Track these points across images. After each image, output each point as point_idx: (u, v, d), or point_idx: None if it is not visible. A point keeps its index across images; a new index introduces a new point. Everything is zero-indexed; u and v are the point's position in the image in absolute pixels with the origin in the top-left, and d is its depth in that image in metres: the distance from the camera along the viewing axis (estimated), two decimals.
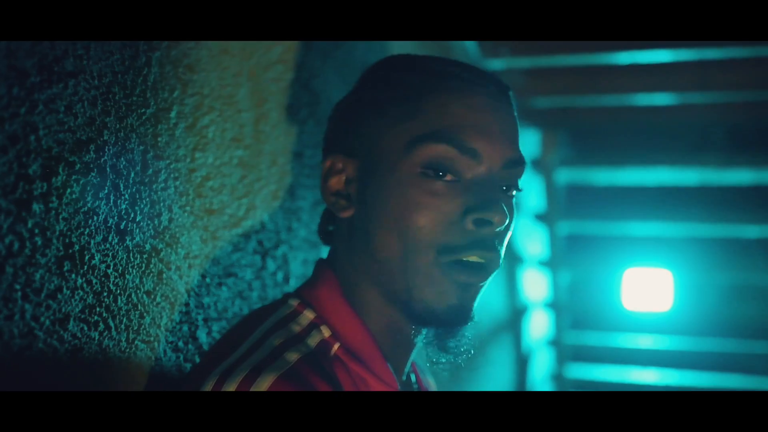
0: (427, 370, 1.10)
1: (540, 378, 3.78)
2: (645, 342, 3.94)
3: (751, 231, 3.30)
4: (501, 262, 0.81)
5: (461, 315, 0.79)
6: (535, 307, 3.62)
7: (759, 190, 3.25)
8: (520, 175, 0.82)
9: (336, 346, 0.80)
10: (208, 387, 0.70)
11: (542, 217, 3.31)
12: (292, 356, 0.74)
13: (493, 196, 0.77)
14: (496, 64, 2.35)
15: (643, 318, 4.28)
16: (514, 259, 3.26)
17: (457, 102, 0.78)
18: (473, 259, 0.77)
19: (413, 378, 0.95)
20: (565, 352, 3.72)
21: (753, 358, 3.81)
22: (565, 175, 3.34)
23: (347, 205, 0.83)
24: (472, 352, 0.82)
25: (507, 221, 0.77)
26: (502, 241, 0.81)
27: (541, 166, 3.13)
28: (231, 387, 0.69)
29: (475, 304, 0.82)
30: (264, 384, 0.69)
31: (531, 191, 3.40)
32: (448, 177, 0.77)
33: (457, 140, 0.76)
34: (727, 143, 3.37)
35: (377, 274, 0.81)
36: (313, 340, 0.79)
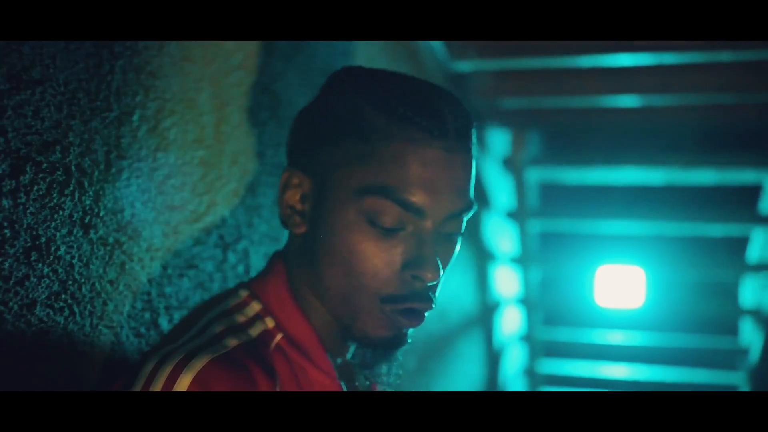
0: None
1: (512, 373, 3.87)
2: (617, 338, 4.04)
3: (716, 230, 3.40)
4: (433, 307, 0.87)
5: (396, 342, 0.85)
6: (507, 304, 3.71)
7: (722, 190, 3.35)
8: (465, 219, 0.86)
9: (279, 337, 0.86)
10: (147, 369, 0.74)
11: (513, 215, 3.39)
12: (231, 342, 0.79)
13: (430, 253, 0.81)
14: (464, 66, 2.43)
15: (616, 314, 4.38)
16: (486, 256, 3.34)
17: (411, 155, 0.79)
18: (411, 305, 0.83)
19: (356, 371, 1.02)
20: (537, 347, 3.81)
21: (718, 353, 3.91)
22: (535, 174, 3.42)
23: (301, 222, 0.87)
24: (400, 377, 0.88)
25: (439, 276, 0.82)
26: (436, 288, 0.87)
27: (510, 164, 3.22)
28: (166, 369, 0.73)
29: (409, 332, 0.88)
30: (197, 365, 0.73)
31: (502, 189, 3.49)
32: (390, 226, 0.80)
33: (402, 199, 0.79)
34: (692, 144, 3.47)
35: (322, 294, 0.86)
36: (255, 330, 0.84)
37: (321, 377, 0.88)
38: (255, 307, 0.88)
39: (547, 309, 4.42)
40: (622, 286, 4.56)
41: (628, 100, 2.80)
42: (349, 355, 0.96)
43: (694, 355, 3.98)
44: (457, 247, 0.87)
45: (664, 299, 4.37)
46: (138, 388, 0.73)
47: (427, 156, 0.79)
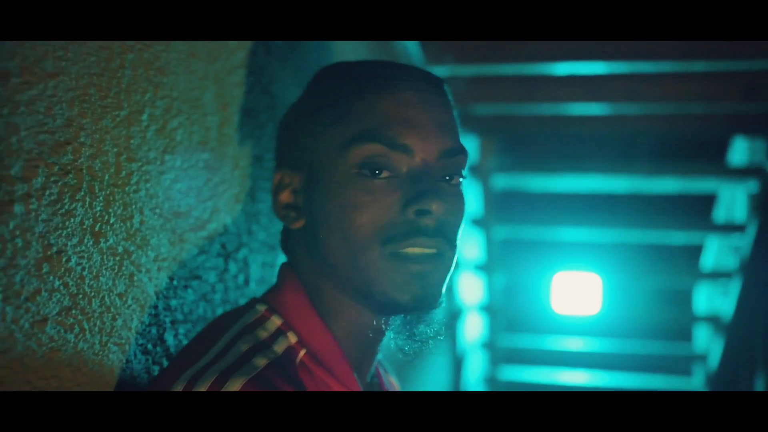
0: (392, 370, 1.12)
1: (474, 380, 3.85)
2: (575, 344, 4.06)
3: (677, 238, 3.44)
4: (455, 248, 0.83)
5: (426, 302, 0.81)
6: (471, 310, 3.69)
7: (684, 199, 3.39)
8: (462, 164, 0.84)
9: (302, 353, 0.82)
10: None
11: (479, 222, 3.37)
12: (260, 361, 0.75)
13: (430, 186, 0.79)
14: (441, 71, 2.39)
15: (573, 321, 4.41)
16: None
17: (385, 100, 0.80)
18: (418, 249, 0.79)
19: (376, 381, 0.97)
20: (498, 354, 3.80)
21: (675, 359, 3.97)
22: (501, 181, 3.42)
23: (297, 217, 0.86)
24: (441, 336, 0.84)
25: (446, 207, 0.79)
26: (453, 229, 0.83)
27: (478, 171, 3.20)
28: (201, 391, 0.70)
29: (443, 290, 0.84)
30: (232, 388, 0.70)
31: (468, 197, 3.47)
32: (385, 174, 0.79)
33: (386, 137, 0.78)
34: (655, 153, 3.51)
35: (334, 277, 0.83)
36: (279, 347, 0.80)
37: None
38: (275, 321, 0.83)
39: (508, 316, 4.42)
40: (578, 293, 4.59)
41: (594, 108, 2.81)
42: (372, 372, 0.91)
43: (650, 361, 4.03)
44: (463, 196, 0.85)
45: (621, 306, 4.41)
46: None
47: (402, 97, 0.80)
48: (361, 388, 0.85)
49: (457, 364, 3.52)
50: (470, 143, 3.20)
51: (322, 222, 0.81)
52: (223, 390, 0.70)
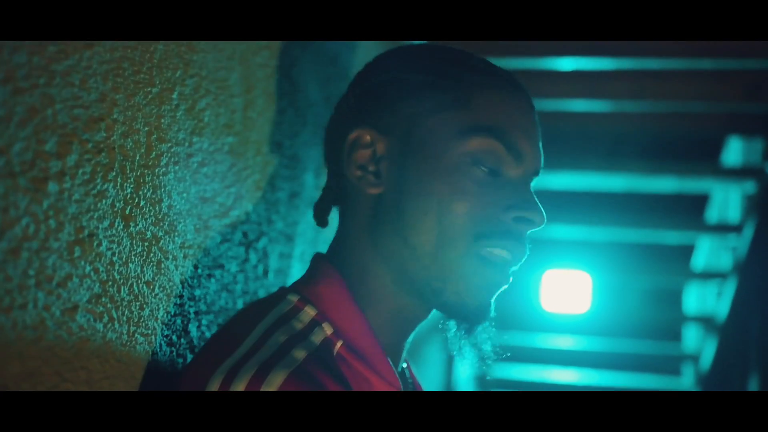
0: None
1: (464, 378, 3.82)
2: (564, 342, 4.05)
3: (671, 237, 3.43)
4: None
5: (485, 312, 0.79)
6: None
7: (681, 198, 3.39)
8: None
9: (339, 344, 0.78)
10: (214, 386, 0.67)
11: None
12: (300, 354, 0.71)
13: (532, 197, 0.79)
14: None
15: (562, 319, 4.40)
16: None
17: (507, 102, 0.79)
18: (505, 253, 0.77)
19: (407, 373, 0.94)
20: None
21: (665, 359, 3.97)
22: None
23: (375, 181, 0.81)
24: (505, 354, 0.82)
25: (544, 221, 0.79)
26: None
27: None
28: (240, 386, 0.66)
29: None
30: (275, 382, 0.66)
31: None
32: (488, 170, 0.78)
33: (507, 139, 0.78)
34: (650, 151, 3.50)
35: (405, 259, 0.79)
36: (317, 338, 0.76)
37: (386, 388, 0.80)
38: (309, 312, 0.79)
39: (498, 313, 4.39)
40: (568, 291, 4.58)
41: (595, 105, 2.79)
42: (403, 358, 0.88)
43: (640, 360, 4.03)
44: None
45: (611, 305, 4.41)
46: None
47: (521, 105, 0.80)
48: (398, 380, 0.82)
49: (449, 362, 3.50)
50: None
51: (416, 199, 0.78)
52: (264, 383, 0.66)
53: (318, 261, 0.85)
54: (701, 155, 3.40)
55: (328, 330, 0.78)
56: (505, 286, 0.81)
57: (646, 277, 3.81)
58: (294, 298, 0.80)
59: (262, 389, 0.66)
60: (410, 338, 0.87)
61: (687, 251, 3.90)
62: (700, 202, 3.72)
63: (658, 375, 3.99)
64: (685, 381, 3.79)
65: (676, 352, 3.98)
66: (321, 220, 0.91)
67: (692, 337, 3.83)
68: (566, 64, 2.32)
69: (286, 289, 0.83)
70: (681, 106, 2.74)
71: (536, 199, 0.80)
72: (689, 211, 3.75)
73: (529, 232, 0.80)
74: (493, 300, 0.80)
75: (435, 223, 0.76)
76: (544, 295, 4.66)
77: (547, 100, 2.76)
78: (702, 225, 3.51)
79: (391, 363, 0.82)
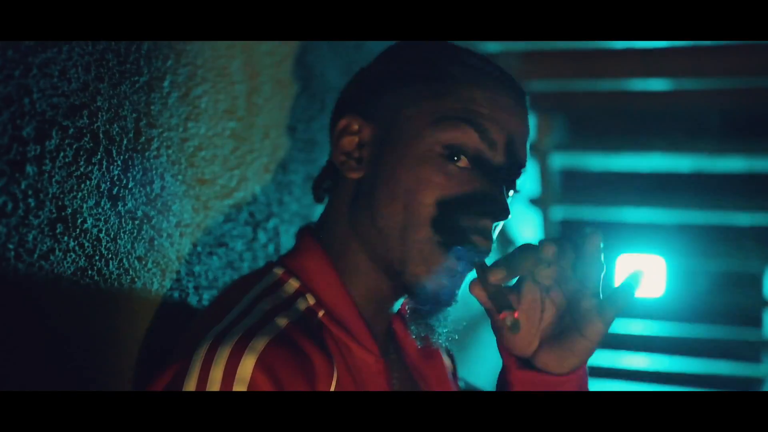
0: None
1: None
2: (637, 327, 3.97)
3: (743, 219, 3.32)
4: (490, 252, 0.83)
5: (448, 296, 0.82)
6: None
7: (751, 178, 3.26)
8: (519, 179, 0.86)
9: (321, 313, 0.83)
10: (202, 351, 0.72)
11: (536, 202, 3.32)
12: (282, 321, 0.76)
13: (500, 192, 0.80)
14: (492, 47, 2.35)
15: (636, 303, 4.31)
16: (508, 242, 3.28)
17: (487, 97, 0.81)
18: (465, 244, 0.80)
19: (391, 347, 0.97)
20: None
21: (742, 344, 3.84)
22: (559, 160, 3.35)
23: (357, 167, 0.85)
24: (456, 336, 0.84)
25: (508, 217, 0.80)
26: (495, 235, 0.84)
27: (536, 150, 3.14)
28: (225, 350, 0.70)
29: (461, 289, 0.84)
30: (258, 347, 0.71)
31: (525, 175, 3.41)
32: (463, 162, 0.80)
33: (482, 128, 0.80)
34: (721, 130, 3.38)
35: (373, 240, 0.83)
36: (300, 307, 0.81)
37: (365, 356, 0.85)
38: (293, 284, 0.84)
39: None
40: (642, 276, 4.48)
41: (657, 84, 2.73)
42: (386, 329, 0.91)
43: (715, 346, 3.91)
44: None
45: (685, 289, 4.29)
46: (196, 370, 0.69)
47: (501, 101, 0.82)
48: (377, 348, 0.85)
49: None
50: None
51: (387, 185, 0.81)
52: (248, 348, 0.70)
53: (304, 235, 0.90)
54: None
55: (310, 300, 0.83)
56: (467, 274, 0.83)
57: (722, 261, 3.68)
58: (279, 271, 0.85)
59: (245, 353, 0.70)
60: (392, 312, 0.91)
61: (766, 233, 3.75)
62: None
63: (737, 362, 3.86)
64: (765, 368, 3.67)
65: (755, 337, 3.84)
66: (317, 197, 0.95)
67: None
68: (621, 42, 2.28)
69: (273, 262, 0.88)
70: (746, 82, 2.65)
71: (504, 194, 0.81)
72: (766, 190, 3.60)
73: (495, 224, 0.82)
74: (456, 287, 0.82)
75: (401, 209, 0.80)
76: (619, 280, 4.56)
77: (607, 80, 2.72)
78: None
79: (370, 332, 0.86)
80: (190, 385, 0.69)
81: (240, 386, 0.68)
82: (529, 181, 3.38)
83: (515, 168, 0.84)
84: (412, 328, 0.84)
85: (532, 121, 3.13)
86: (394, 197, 0.80)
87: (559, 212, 3.51)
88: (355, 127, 0.86)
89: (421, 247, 0.80)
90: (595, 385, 3.94)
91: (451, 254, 0.79)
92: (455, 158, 0.79)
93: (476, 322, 2.73)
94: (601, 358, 4.01)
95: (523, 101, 0.86)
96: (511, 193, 0.86)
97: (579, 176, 3.84)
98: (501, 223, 0.84)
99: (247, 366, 0.69)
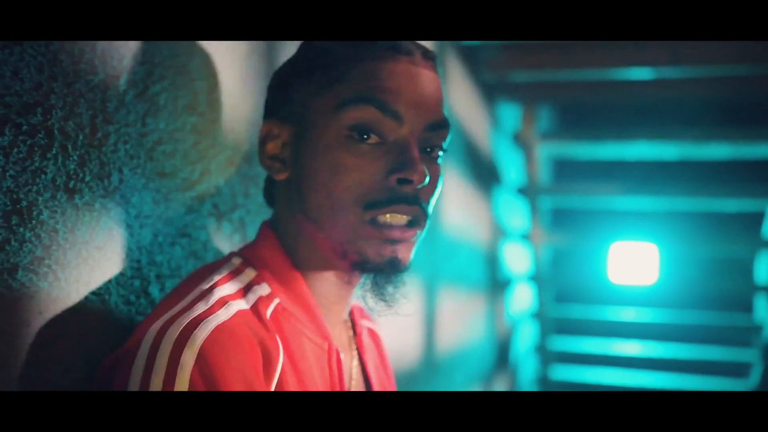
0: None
1: (523, 350, 3.85)
2: (629, 315, 4.01)
3: (730, 205, 3.35)
4: (428, 217, 0.87)
5: (397, 265, 0.85)
6: (519, 281, 3.68)
7: (737, 165, 3.29)
8: (444, 137, 0.88)
9: (275, 302, 0.87)
10: (149, 337, 0.75)
11: (523, 191, 3.36)
12: (232, 309, 0.80)
13: (414, 157, 0.83)
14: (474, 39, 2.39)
15: (629, 291, 4.35)
16: (497, 232, 3.32)
17: (382, 68, 0.84)
18: (397, 218, 0.84)
19: (351, 325, 1.02)
20: (548, 324, 3.78)
21: (737, 330, 3.87)
22: (546, 150, 3.38)
23: (282, 168, 0.89)
24: (407, 298, 0.88)
25: (427, 179, 0.83)
26: (428, 199, 0.87)
27: (521, 140, 3.18)
28: (170, 338, 0.74)
29: (413, 255, 0.88)
30: (202, 334, 0.74)
31: (512, 165, 3.45)
32: (373, 139, 0.83)
33: (380, 102, 0.82)
34: (705, 118, 3.41)
35: (314, 231, 0.87)
36: (252, 297, 0.85)
37: (319, 342, 0.89)
38: (250, 274, 0.88)
39: (559, 286, 4.39)
40: (635, 263, 4.52)
41: (639, 73, 2.76)
42: (345, 314, 0.96)
43: (707, 331, 3.95)
44: (442, 168, 0.90)
45: (677, 276, 4.33)
46: (142, 356, 0.73)
47: (397, 68, 0.84)
48: (330, 335, 0.90)
49: (506, 334, 3.53)
50: (511, 111, 3.18)
51: (308, 178, 0.85)
52: (193, 334, 0.73)
53: (262, 227, 0.94)
54: (761, 119, 3.29)
55: (266, 290, 0.87)
56: (414, 241, 0.87)
57: (714, 247, 3.71)
58: (237, 261, 0.90)
59: (189, 341, 0.73)
60: (350, 300, 0.95)
61: (758, 219, 3.78)
62: (766, 167, 3.60)
63: (729, 347, 3.90)
64: (754, 353, 3.70)
65: (746, 323, 3.87)
66: (269, 202, 0.99)
67: (764, 308, 3.72)
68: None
69: (234, 253, 0.92)
70: (725, 71, 2.68)
71: (415, 157, 0.83)
72: (759, 177, 3.62)
73: (421, 189, 0.85)
74: (404, 255, 0.86)
75: (325, 198, 0.84)
76: (612, 268, 4.61)
77: (589, 71, 2.75)
78: None
79: (324, 320, 0.90)
80: (138, 367, 0.73)
81: (183, 372, 0.72)
82: (516, 170, 3.42)
83: (430, 129, 0.85)
84: (377, 299, 0.87)
85: (516, 110, 3.17)
86: (317, 188, 0.84)
87: (547, 202, 3.54)
88: (275, 131, 0.90)
89: (355, 227, 0.84)
90: (589, 373, 3.98)
91: (387, 229, 0.83)
92: (365, 137, 0.83)
93: (463, 309, 2.77)
94: (595, 345, 4.05)
95: (427, 61, 0.87)
96: (437, 153, 0.88)
97: (569, 165, 3.88)
98: (434, 188, 0.88)
99: (189, 353, 0.72)
